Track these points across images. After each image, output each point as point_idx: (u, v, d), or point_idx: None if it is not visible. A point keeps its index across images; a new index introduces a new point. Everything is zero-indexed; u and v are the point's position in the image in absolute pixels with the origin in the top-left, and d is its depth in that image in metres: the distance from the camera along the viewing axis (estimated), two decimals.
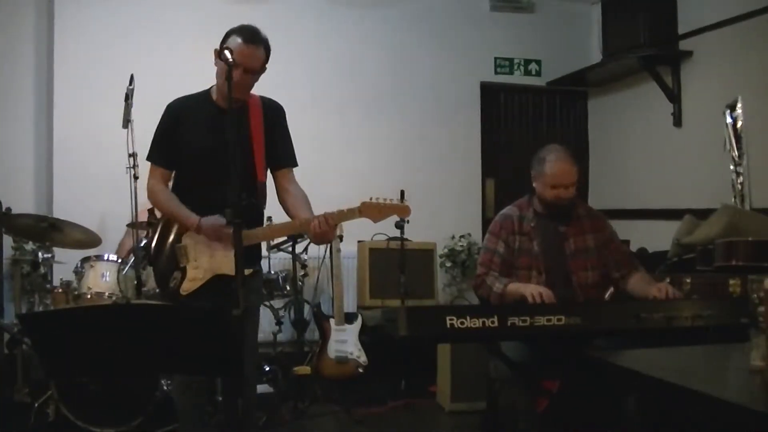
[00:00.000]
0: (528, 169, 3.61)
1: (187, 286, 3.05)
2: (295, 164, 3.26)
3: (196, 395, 3.23)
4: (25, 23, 5.75)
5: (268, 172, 3.20)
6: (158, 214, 3.27)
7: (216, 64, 3.01)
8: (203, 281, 3.05)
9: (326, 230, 2.95)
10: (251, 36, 2.99)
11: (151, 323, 2.29)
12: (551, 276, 3.45)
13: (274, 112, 3.20)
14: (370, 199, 3.00)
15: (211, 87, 3.15)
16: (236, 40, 2.97)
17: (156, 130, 3.18)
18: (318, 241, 3.07)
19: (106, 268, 4.36)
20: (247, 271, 2.96)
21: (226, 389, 3.33)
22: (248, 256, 2.98)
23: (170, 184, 3.25)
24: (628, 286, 3.52)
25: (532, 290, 3.24)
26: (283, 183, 3.22)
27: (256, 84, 3.10)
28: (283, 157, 3.22)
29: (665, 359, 2.15)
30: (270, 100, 3.22)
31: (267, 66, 3.04)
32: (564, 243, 3.54)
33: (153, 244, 3.25)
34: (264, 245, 5.15)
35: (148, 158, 3.19)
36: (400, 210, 3.03)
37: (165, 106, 3.17)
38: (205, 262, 3.06)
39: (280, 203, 3.22)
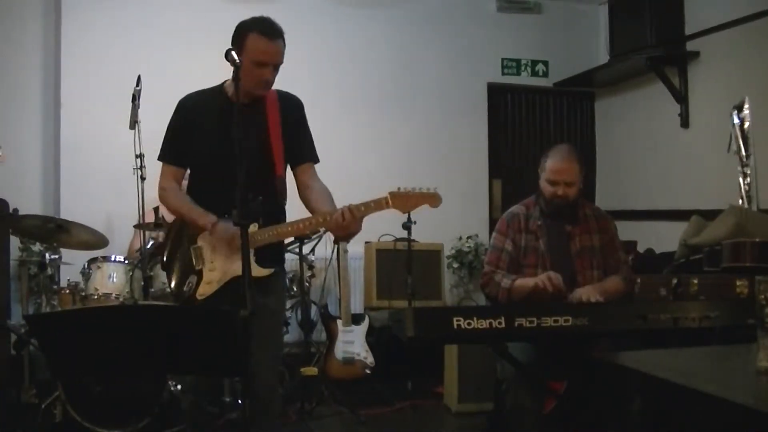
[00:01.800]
0: (535, 170, 3.64)
1: (203, 290, 2.90)
2: (317, 160, 3.10)
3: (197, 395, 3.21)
4: (32, 25, 5.77)
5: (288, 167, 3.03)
6: (168, 217, 3.13)
7: (240, 61, 2.68)
8: (220, 284, 2.89)
9: (351, 222, 2.73)
10: (272, 31, 2.82)
11: (158, 324, 2.30)
12: None
13: (291, 106, 3.03)
14: (398, 189, 2.80)
15: (225, 82, 2.98)
16: (259, 39, 2.79)
17: (168, 128, 3.03)
18: (343, 236, 2.84)
19: (113, 269, 4.36)
20: (267, 271, 2.87)
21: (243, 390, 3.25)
22: (269, 254, 2.89)
23: (185, 183, 3.12)
24: None
25: (539, 278, 3.30)
26: (303, 179, 3.04)
27: None
28: (302, 152, 3.05)
29: (671, 360, 2.14)
30: (287, 93, 3.05)
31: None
32: (570, 242, 3.55)
33: (166, 251, 3.11)
34: None
35: (160, 158, 3.04)
36: (430, 199, 2.82)
37: (175, 104, 3.02)
38: (223, 264, 2.89)
39: (302, 200, 3.04)
